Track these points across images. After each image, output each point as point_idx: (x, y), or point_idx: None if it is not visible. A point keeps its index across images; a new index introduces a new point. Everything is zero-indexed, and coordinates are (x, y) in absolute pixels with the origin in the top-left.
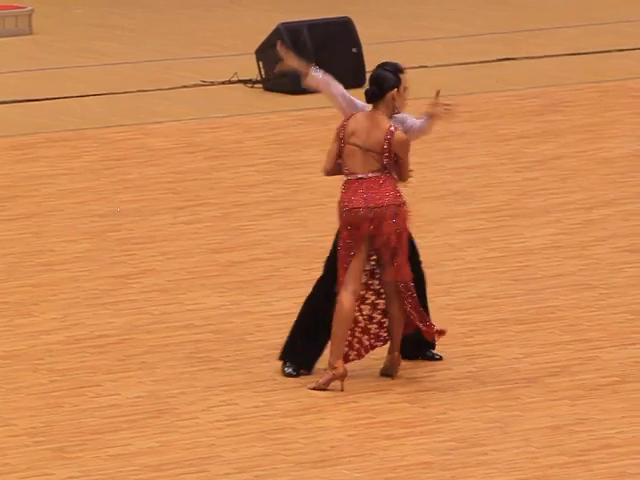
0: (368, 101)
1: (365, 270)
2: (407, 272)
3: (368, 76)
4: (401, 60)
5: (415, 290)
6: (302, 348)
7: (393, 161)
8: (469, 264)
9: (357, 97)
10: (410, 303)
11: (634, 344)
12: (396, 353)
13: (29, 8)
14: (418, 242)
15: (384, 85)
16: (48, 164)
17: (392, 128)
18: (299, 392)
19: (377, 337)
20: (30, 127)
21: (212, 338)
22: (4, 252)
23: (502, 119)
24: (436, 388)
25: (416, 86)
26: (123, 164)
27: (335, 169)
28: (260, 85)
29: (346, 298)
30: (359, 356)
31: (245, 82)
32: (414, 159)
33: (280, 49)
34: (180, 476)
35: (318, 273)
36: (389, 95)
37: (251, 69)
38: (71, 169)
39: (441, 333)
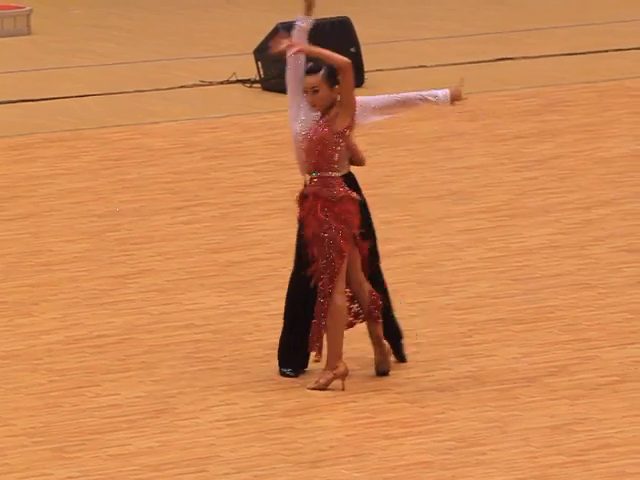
0: None
1: None
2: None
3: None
4: (400, 60)
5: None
6: (295, 349)
7: None
8: (468, 264)
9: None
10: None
11: (633, 343)
12: (382, 343)
13: (27, 8)
14: (417, 241)
15: None
16: (46, 164)
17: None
18: (298, 392)
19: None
20: (28, 127)
21: (211, 338)
22: (3, 252)
23: (500, 119)
24: (435, 388)
25: (416, 86)
26: (121, 164)
27: None
28: (258, 85)
29: (339, 298)
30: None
31: (244, 82)
32: (414, 159)
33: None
34: (179, 476)
35: None
36: None
37: (249, 69)
38: (69, 169)
39: (317, 360)
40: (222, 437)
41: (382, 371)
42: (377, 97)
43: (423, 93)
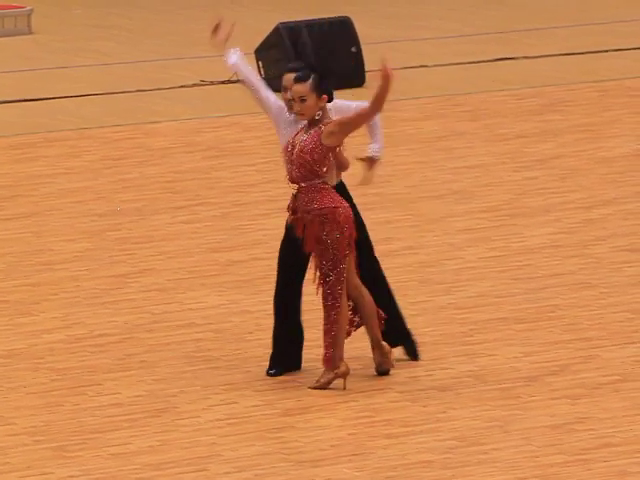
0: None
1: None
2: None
3: (367, 75)
4: (400, 60)
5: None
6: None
7: None
8: (469, 263)
9: (357, 98)
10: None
11: (634, 343)
12: (382, 344)
13: (28, 8)
14: (418, 241)
15: None
16: (47, 164)
17: None
18: (299, 391)
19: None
20: (29, 127)
21: (212, 337)
22: (4, 251)
23: (501, 119)
24: (436, 387)
25: (416, 86)
26: (122, 164)
27: None
28: None
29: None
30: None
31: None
32: (415, 158)
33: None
34: (180, 475)
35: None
36: None
37: None
38: (70, 169)
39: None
40: (223, 436)
41: (383, 371)
42: (359, 103)
43: (378, 123)
